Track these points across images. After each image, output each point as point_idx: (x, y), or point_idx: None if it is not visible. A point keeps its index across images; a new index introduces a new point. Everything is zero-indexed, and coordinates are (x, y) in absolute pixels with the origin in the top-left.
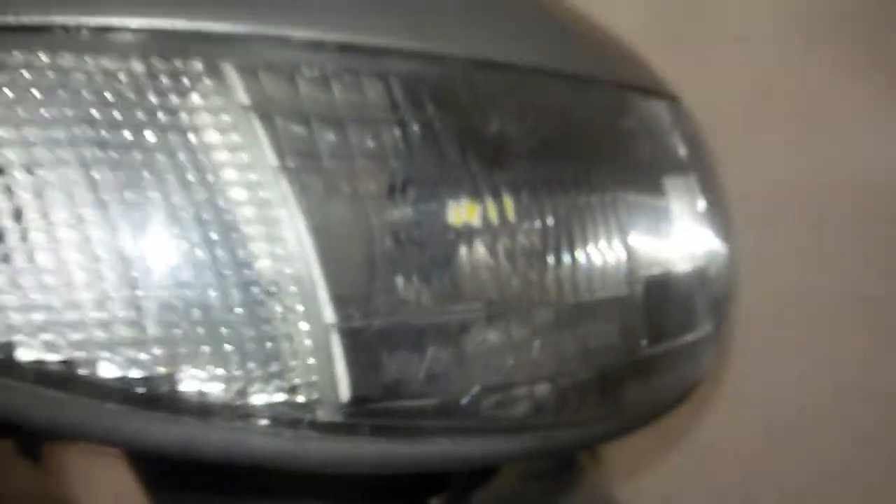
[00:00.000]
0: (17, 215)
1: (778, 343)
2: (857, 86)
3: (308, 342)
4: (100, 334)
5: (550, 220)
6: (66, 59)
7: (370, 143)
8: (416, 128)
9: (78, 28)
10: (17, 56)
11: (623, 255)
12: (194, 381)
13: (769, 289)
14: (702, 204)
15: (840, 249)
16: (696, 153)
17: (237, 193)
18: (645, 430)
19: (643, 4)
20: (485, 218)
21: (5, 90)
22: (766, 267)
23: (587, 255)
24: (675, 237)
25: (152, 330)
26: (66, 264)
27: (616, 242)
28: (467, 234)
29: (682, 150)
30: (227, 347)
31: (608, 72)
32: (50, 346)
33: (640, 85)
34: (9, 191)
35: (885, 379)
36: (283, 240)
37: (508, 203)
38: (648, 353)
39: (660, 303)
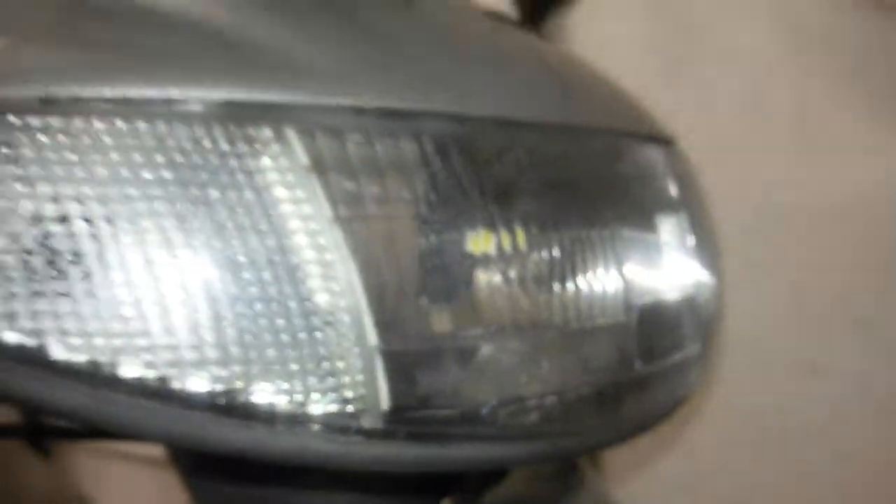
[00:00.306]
0: (122, 258)
1: (773, 357)
2: (853, 106)
3: (357, 362)
4: (191, 355)
5: (556, 252)
6: (162, 127)
7: (406, 193)
8: (443, 176)
9: (168, 100)
10: (120, 125)
11: (620, 285)
12: (265, 394)
13: (764, 304)
14: (691, 239)
15: (834, 269)
16: (687, 193)
17: (300, 240)
18: (640, 438)
19: (642, 27)
20: (499, 247)
21: (112, 154)
22: (761, 283)
23: (588, 283)
24: (666, 269)
25: (233, 351)
26: (163, 297)
27: (613, 272)
28: (484, 260)
29: (674, 191)
30: (293, 366)
31: (606, 121)
32: (149, 365)
33: (635, 132)
34: (115, 238)
35: (879, 393)
36: (337, 278)
37: (520, 234)
38: (642, 371)
39: (652, 327)
